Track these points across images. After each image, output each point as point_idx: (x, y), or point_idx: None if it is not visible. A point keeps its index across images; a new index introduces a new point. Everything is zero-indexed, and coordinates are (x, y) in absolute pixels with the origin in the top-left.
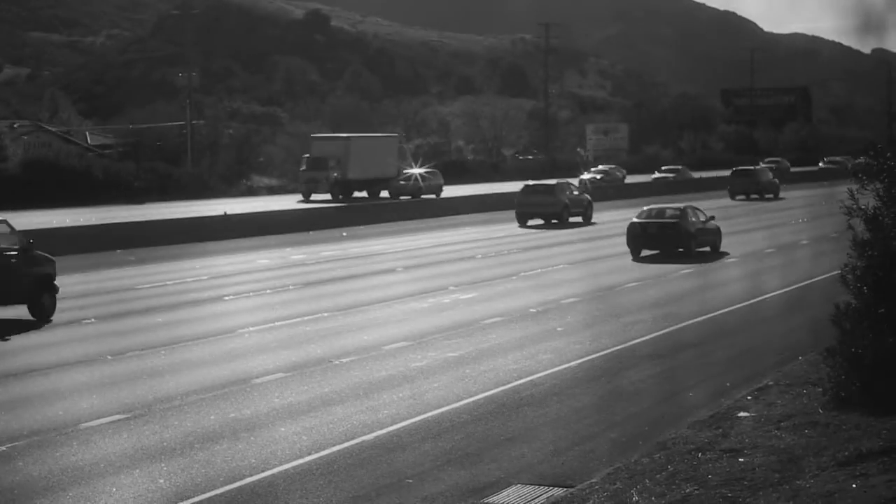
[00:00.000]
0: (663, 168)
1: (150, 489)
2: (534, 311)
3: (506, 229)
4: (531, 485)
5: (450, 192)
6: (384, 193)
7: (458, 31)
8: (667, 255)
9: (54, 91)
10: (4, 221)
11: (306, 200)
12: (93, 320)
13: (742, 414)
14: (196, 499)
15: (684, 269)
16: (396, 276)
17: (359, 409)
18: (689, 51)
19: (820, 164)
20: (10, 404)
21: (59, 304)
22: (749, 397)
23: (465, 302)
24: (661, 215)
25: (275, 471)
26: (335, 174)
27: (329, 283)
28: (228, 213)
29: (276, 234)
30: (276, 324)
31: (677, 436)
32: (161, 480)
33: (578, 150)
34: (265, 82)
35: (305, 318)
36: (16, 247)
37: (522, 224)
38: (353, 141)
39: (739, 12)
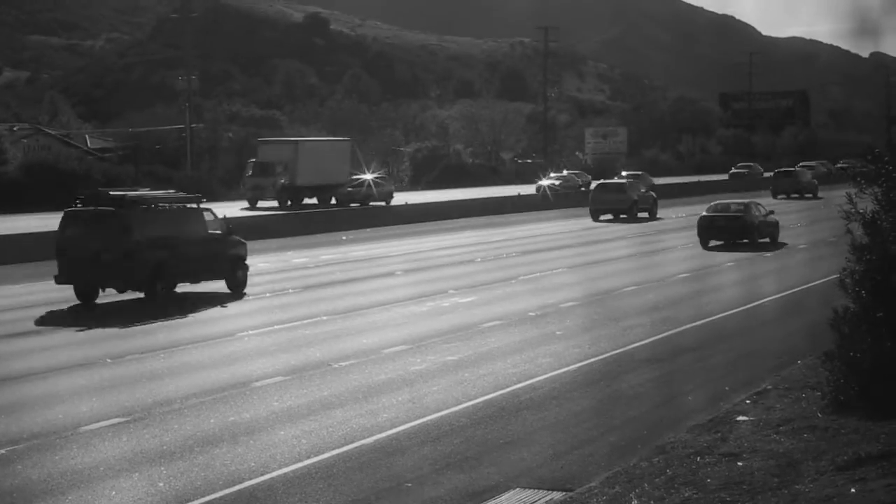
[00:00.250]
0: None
1: (149, 493)
2: (533, 314)
3: (581, 223)
4: (530, 489)
5: (451, 196)
6: (334, 201)
7: (457, 34)
8: (732, 245)
9: (54, 94)
10: (209, 210)
11: (252, 208)
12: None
13: (741, 418)
14: (195, 502)
15: (764, 255)
16: (396, 280)
17: (358, 413)
18: (688, 54)
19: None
20: (8, 407)
21: (62, 308)
22: (748, 401)
23: (464, 306)
24: (727, 209)
25: (274, 474)
26: (282, 180)
27: (328, 286)
28: (228, 216)
29: (278, 238)
30: (276, 327)
31: (676, 440)
32: (160, 484)
33: (578, 153)
34: (264, 86)
35: (305, 321)
36: (219, 231)
37: (595, 219)
38: (301, 145)
39: (738, 16)
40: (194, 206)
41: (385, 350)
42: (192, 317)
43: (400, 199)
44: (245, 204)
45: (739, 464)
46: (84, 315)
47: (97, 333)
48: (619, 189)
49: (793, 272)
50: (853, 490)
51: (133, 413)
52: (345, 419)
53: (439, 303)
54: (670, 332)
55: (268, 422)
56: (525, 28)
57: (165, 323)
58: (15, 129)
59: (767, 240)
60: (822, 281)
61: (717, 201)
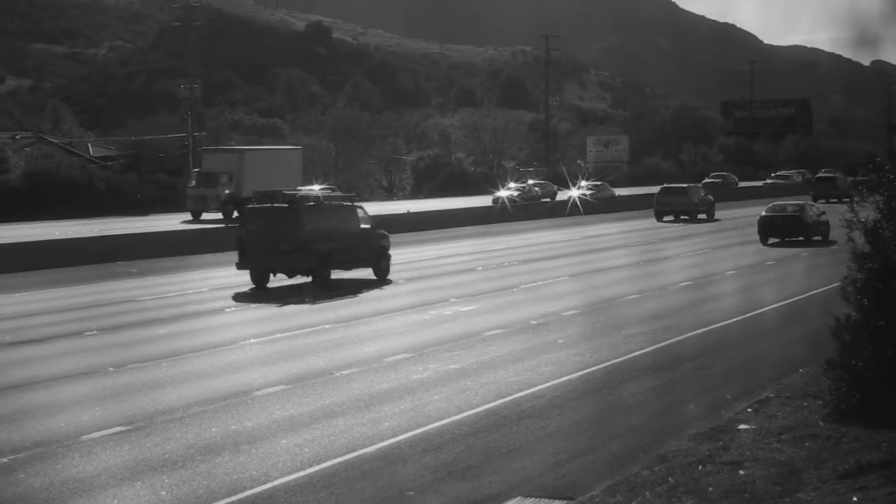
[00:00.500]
0: (712, 174)
1: (151, 501)
2: (534, 323)
3: (644, 224)
4: (532, 497)
5: (452, 204)
6: None
7: (459, 43)
8: (789, 243)
9: (56, 102)
10: (361, 207)
11: (195, 220)
12: (95, 332)
13: (742, 426)
14: None
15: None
16: (397, 288)
17: (360, 422)
18: (689, 63)
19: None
20: (10, 416)
21: (58, 317)
22: (749, 409)
23: (465, 314)
24: (784, 210)
25: (276, 483)
26: (227, 191)
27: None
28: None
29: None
30: (277, 336)
31: (678, 448)
32: (163, 492)
33: (579, 161)
34: (266, 94)
35: (306, 329)
36: (368, 225)
37: (659, 219)
38: (247, 154)
39: (738, 24)
40: (350, 203)
41: (387, 358)
42: (360, 296)
43: (401, 207)
44: (187, 216)
45: (741, 472)
46: (266, 295)
47: (290, 309)
48: (682, 192)
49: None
50: (855, 499)
51: (135, 421)
52: (347, 428)
53: (441, 311)
54: (754, 312)
55: (270, 430)
56: (526, 36)
57: (339, 301)
58: (17, 137)
59: (819, 238)
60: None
61: (775, 202)
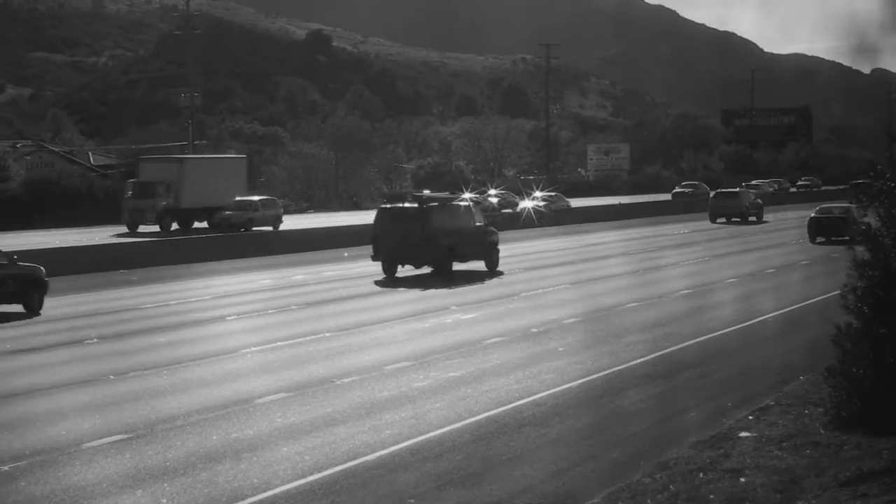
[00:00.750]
0: (683, 184)
1: None
2: (535, 331)
3: (699, 225)
4: None
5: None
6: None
7: (459, 51)
8: (834, 241)
9: (57, 111)
10: (477, 206)
11: (132, 233)
12: (95, 340)
13: (743, 434)
14: None
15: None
16: (398, 296)
17: (361, 429)
18: (689, 71)
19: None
20: (11, 424)
21: (57, 325)
22: (750, 417)
23: (466, 322)
24: (831, 212)
25: (277, 490)
26: (164, 202)
27: (331, 302)
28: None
29: (279, 255)
30: (279, 344)
31: (678, 456)
32: (164, 500)
33: (580, 170)
34: (267, 102)
35: (308, 337)
36: (481, 223)
37: (713, 221)
38: (187, 163)
39: (739, 33)
40: (467, 204)
41: (388, 367)
42: (485, 283)
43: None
44: (123, 228)
45: (742, 480)
46: (399, 282)
47: (430, 293)
48: (734, 196)
49: None
50: None
51: (136, 429)
52: (347, 436)
53: (441, 319)
54: (755, 320)
55: (270, 438)
56: (527, 45)
57: (463, 288)
58: (18, 145)
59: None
60: None
61: (823, 205)
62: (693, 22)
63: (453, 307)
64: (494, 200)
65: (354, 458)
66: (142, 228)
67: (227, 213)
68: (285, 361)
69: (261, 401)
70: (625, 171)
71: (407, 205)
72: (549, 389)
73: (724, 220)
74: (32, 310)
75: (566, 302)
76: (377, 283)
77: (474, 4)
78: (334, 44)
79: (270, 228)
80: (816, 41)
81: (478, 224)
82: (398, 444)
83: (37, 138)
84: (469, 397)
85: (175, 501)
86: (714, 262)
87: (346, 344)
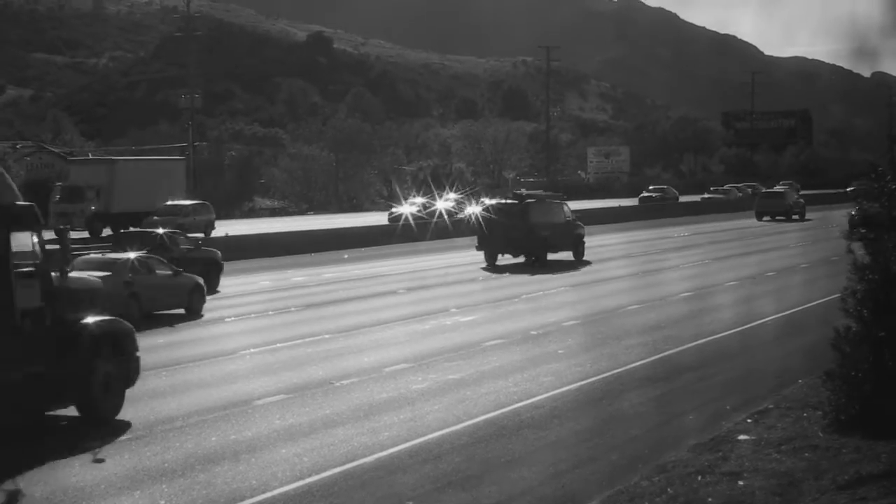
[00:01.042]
0: (651, 188)
1: None
2: (535, 333)
3: (744, 223)
4: None
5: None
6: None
7: (460, 53)
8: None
9: (57, 112)
10: (566, 203)
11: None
12: None
13: (742, 437)
14: None
15: None
16: (398, 298)
17: (359, 431)
18: (690, 74)
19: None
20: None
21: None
22: (749, 420)
23: (466, 324)
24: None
25: (275, 492)
26: (93, 207)
27: (331, 304)
28: (230, 233)
29: (279, 256)
30: (278, 345)
31: (677, 459)
32: (162, 502)
33: (580, 172)
34: (267, 104)
35: (307, 339)
36: (570, 218)
37: (759, 219)
38: (119, 165)
39: (739, 36)
40: (559, 201)
41: (387, 368)
42: (585, 269)
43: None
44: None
45: (740, 483)
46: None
47: (519, 279)
48: (779, 196)
49: None
50: None
51: (135, 430)
52: (346, 437)
53: (441, 321)
54: (754, 323)
55: (269, 440)
56: (527, 47)
57: (554, 275)
58: (18, 146)
59: None
60: None
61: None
62: (693, 25)
63: (453, 309)
64: (446, 205)
65: (353, 460)
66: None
67: (155, 218)
68: (284, 363)
69: (260, 402)
70: (625, 173)
71: (508, 201)
72: (548, 392)
73: (769, 217)
74: (211, 287)
75: (566, 304)
76: (379, 285)
77: (475, 7)
78: (335, 46)
79: (202, 235)
80: (817, 44)
81: (567, 219)
82: (397, 445)
83: (37, 139)
84: (468, 399)
85: (173, 502)
86: (715, 265)
87: (345, 346)
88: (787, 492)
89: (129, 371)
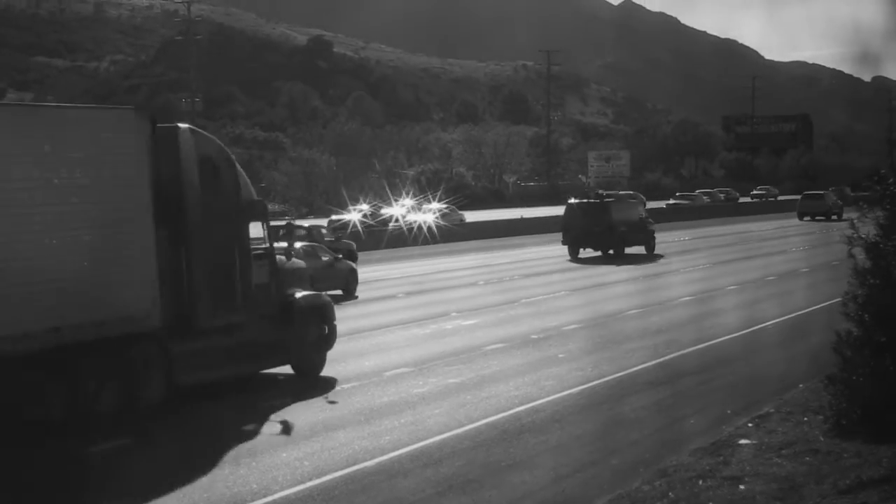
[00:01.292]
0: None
1: None
2: (535, 337)
3: (789, 223)
4: None
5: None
6: None
7: (460, 57)
8: None
9: None
10: (642, 202)
11: None
12: None
13: (743, 441)
14: None
15: None
16: (398, 302)
17: (360, 435)
18: (690, 78)
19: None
20: None
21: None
22: (750, 424)
23: (466, 328)
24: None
25: (276, 496)
26: None
27: None
28: None
29: None
30: None
31: (678, 463)
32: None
33: (580, 176)
34: (268, 108)
35: None
36: (643, 216)
37: (801, 218)
38: None
39: (740, 40)
40: (634, 200)
41: (387, 372)
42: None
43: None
44: None
45: (741, 487)
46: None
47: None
48: (820, 198)
49: None
50: None
51: (137, 435)
52: (347, 441)
53: (442, 325)
54: (756, 327)
55: (270, 443)
56: (528, 51)
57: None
58: None
59: None
60: None
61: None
62: (694, 29)
63: (453, 313)
64: (400, 211)
65: (354, 464)
66: None
67: None
68: (284, 366)
69: (261, 405)
70: (625, 177)
71: (591, 200)
72: (548, 396)
73: (809, 217)
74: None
75: (566, 308)
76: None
77: (475, 11)
78: (335, 50)
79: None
80: (817, 49)
81: (641, 217)
82: (398, 450)
83: None
84: (469, 403)
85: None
86: (716, 269)
87: (345, 349)
88: (788, 496)
89: (329, 337)
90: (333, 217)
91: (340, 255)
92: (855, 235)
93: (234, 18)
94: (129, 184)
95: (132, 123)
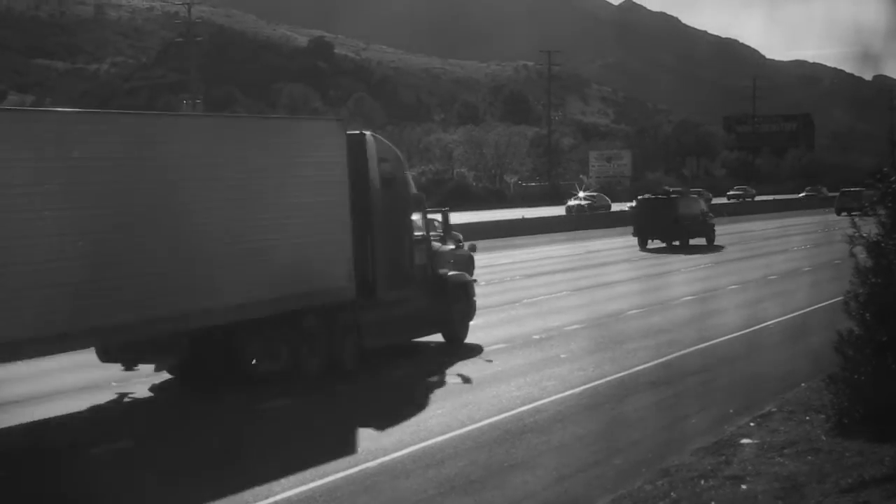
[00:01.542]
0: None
1: None
2: (537, 337)
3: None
4: None
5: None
6: None
7: (461, 58)
8: None
9: None
10: (702, 198)
11: None
12: None
13: (744, 441)
14: None
15: None
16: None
17: (362, 436)
18: (691, 78)
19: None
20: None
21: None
22: (752, 423)
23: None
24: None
25: (278, 497)
26: None
27: None
28: None
29: None
30: None
31: (680, 463)
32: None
33: (581, 176)
34: (269, 109)
35: None
36: (704, 210)
37: (838, 214)
38: None
39: (741, 40)
40: (696, 196)
41: (389, 373)
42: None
43: None
44: None
45: (743, 486)
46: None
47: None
48: (856, 195)
49: None
50: None
51: (138, 437)
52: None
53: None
54: (757, 327)
55: (271, 444)
56: (529, 52)
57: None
58: None
59: None
60: None
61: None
62: (695, 29)
63: None
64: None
65: (356, 465)
66: None
67: None
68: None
69: (265, 406)
70: (627, 177)
71: (658, 196)
72: (551, 396)
73: (845, 213)
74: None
75: (568, 308)
76: None
77: (476, 12)
78: (336, 51)
79: None
80: (818, 48)
81: (703, 211)
82: (400, 450)
83: None
84: (471, 404)
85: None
86: (718, 269)
87: None
88: (790, 495)
89: (471, 309)
90: None
91: (462, 243)
92: (856, 234)
93: (235, 20)
94: (334, 182)
95: (336, 132)
